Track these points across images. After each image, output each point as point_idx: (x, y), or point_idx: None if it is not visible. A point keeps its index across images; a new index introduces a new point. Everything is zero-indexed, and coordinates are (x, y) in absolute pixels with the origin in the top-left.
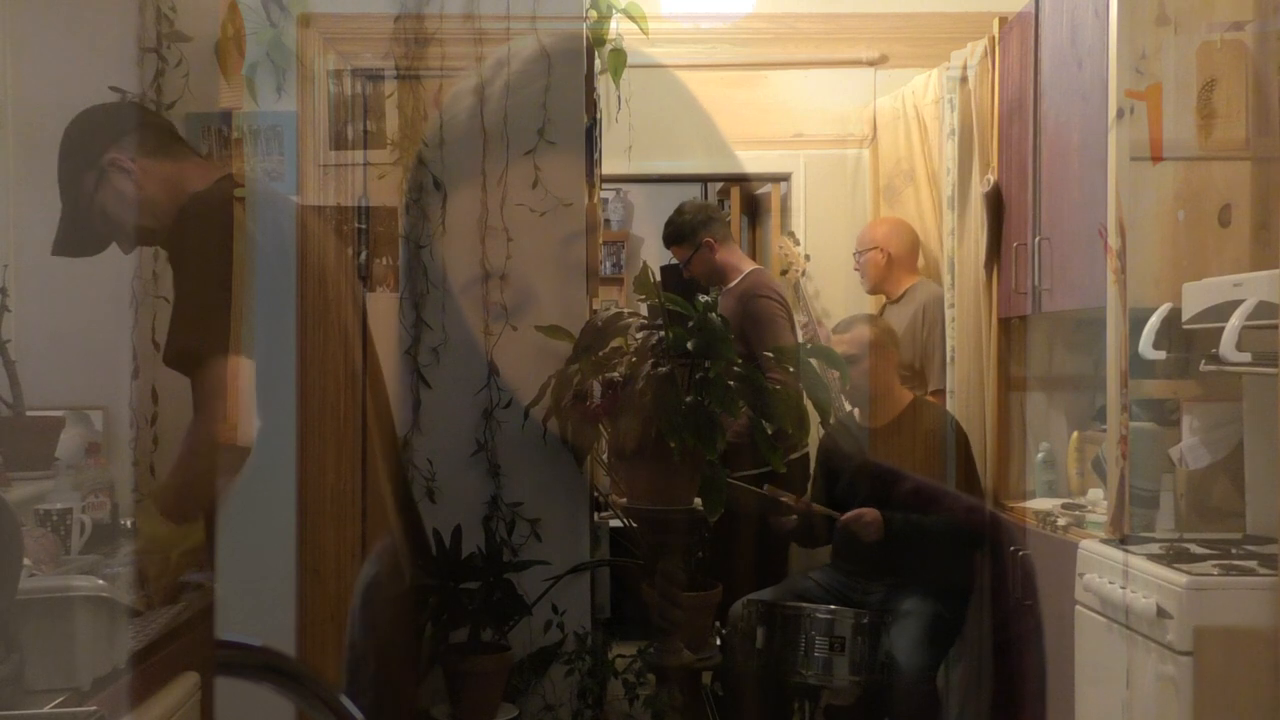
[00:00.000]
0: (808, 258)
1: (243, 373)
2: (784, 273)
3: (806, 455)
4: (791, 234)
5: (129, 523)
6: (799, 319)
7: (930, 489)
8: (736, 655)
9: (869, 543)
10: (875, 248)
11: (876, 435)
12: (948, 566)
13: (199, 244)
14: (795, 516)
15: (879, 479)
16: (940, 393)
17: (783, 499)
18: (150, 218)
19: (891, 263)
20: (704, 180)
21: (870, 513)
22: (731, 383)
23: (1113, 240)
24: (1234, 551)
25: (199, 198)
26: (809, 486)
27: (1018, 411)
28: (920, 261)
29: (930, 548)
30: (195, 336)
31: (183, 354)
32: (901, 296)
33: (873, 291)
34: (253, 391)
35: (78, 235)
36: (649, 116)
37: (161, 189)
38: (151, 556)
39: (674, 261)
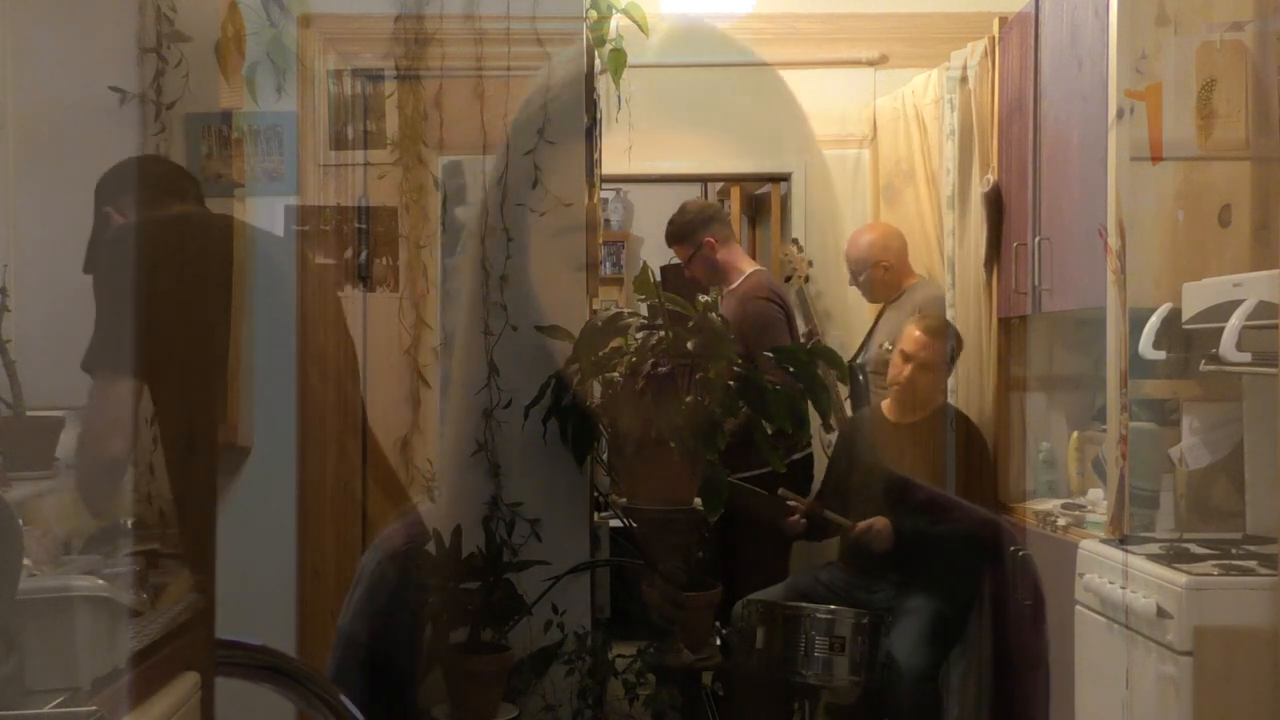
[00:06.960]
0: (811, 264)
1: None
2: (788, 279)
3: (809, 455)
4: (795, 241)
5: (128, 522)
6: (801, 325)
7: (944, 498)
8: (736, 655)
9: (878, 551)
10: (875, 264)
11: (901, 431)
12: (956, 574)
13: (117, 265)
14: (803, 521)
15: (893, 481)
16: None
17: (790, 501)
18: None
19: (892, 273)
20: (704, 180)
21: (880, 522)
22: (731, 383)
23: (1113, 240)
24: (1234, 551)
25: (130, 225)
26: (820, 484)
27: (1018, 411)
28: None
29: (939, 556)
30: (93, 350)
31: (85, 364)
32: (899, 297)
33: (878, 302)
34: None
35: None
36: (649, 116)
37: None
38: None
39: (675, 261)
